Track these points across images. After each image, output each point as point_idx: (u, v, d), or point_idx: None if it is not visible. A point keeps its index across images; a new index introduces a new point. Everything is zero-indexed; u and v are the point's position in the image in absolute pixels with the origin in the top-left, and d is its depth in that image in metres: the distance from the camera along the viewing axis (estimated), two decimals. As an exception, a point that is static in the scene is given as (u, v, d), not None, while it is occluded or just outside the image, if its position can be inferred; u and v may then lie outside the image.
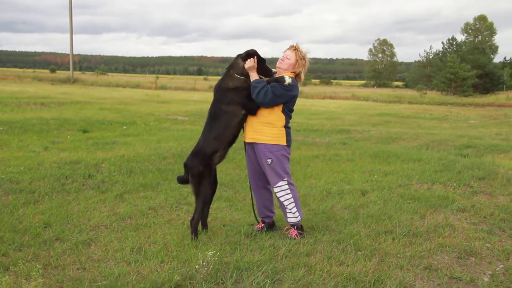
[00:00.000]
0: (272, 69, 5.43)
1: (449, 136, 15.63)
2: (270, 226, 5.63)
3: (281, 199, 5.31)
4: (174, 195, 7.03)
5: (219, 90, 5.36)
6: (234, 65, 5.33)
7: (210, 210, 6.37)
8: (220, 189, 7.48)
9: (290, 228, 5.40)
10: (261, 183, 5.56)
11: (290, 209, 5.30)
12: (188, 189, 6.65)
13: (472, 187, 7.93)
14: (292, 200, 5.30)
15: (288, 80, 5.13)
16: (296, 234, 5.32)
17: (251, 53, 5.26)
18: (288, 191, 5.30)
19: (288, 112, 5.37)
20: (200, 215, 5.36)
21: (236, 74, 5.30)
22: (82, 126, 14.60)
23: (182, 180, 5.50)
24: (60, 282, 4.11)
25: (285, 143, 5.33)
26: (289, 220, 5.36)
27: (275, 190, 5.32)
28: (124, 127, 15.31)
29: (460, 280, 4.40)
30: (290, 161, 10.02)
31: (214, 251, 4.44)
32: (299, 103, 33.07)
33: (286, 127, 5.35)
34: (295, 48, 5.40)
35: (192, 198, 6.88)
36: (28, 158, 9.25)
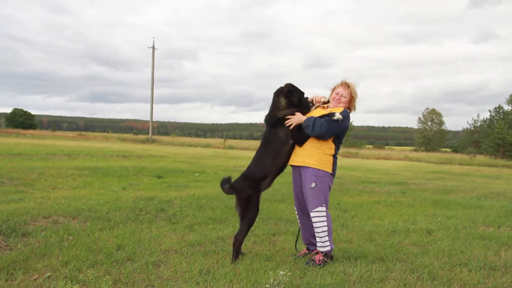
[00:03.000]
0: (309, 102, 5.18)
1: (505, 189, 14.45)
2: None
3: (316, 224, 4.83)
4: (242, 228, 6.53)
5: (271, 116, 5.06)
6: (276, 105, 5.05)
7: (277, 241, 5.90)
8: (286, 225, 6.99)
9: (318, 253, 4.86)
10: (307, 210, 5.04)
11: (321, 237, 4.82)
12: (255, 223, 6.06)
13: (542, 231, 7.05)
14: (326, 229, 4.81)
15: (338, 116, 4.78)
16: (319, 260, 4.75)
17: (290, 89, 5.00)
18: (325, 218, 4.81)
19: (338, 142, 5.03)
20: (244, 237, 4.99)
21: (282, 111, 5.00)
22: (157, 173, 14.50)
23: (225, 183, 5.18)
24: (128, 296, 3.69)
25: (330, 171, 4.93)
26: (318, 248, 4.87)
27: (313, 214, 4.83)
28: (196, 174, 15.10)
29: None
30: (352, 204, 9.61)
31: (285, 271, 3.91)
32: (356, 162, 32.58)
33: (334, 156, 4.99)
34: (348, 86, 5.10)
35: (259, 230, 6.43)
36: (107, 194, 9.10)
